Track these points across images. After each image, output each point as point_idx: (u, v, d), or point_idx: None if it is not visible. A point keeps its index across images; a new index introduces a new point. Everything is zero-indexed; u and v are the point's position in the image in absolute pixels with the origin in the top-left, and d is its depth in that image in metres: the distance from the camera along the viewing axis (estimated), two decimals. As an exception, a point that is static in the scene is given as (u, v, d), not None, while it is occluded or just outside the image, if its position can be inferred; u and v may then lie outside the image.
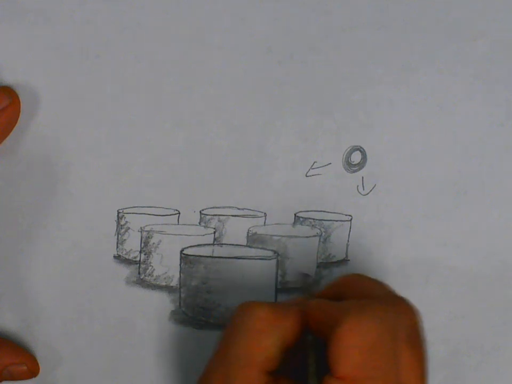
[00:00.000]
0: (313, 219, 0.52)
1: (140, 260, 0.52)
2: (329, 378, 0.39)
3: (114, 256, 0.52)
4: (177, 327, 0.52)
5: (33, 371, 0.51)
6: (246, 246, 0.52)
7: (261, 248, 0.52)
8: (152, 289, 0.52)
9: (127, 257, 0.52)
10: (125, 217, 0.52)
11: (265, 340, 0.42)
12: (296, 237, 0.52)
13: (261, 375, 0.41)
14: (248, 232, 0.52)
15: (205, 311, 0.52)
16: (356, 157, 0.52)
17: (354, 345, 0.39)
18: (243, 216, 0.52)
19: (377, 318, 0.40)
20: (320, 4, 0.51)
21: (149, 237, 0.52)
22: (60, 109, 0.51)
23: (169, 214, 0.52)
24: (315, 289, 0.51)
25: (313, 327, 0.43)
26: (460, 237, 0.52)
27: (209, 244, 0.52)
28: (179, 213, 0.52)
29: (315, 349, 0.43)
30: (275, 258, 0.52)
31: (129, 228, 0.52)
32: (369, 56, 0.51)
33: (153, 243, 0.52)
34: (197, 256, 0.51)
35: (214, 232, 0.52)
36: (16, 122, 0.50)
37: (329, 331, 0.40)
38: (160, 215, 0.52)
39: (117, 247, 0.52)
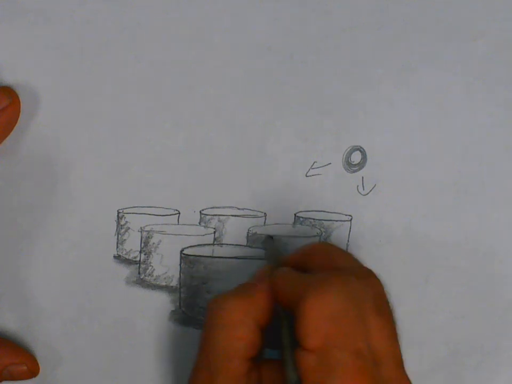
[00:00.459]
0: (313, 219, 0.52)
1: (140, 260, 0.52)
2: (300, 351, 0.40)
3: (114, 256, 0.52)
4: (177, 327, 0.52)
5: (33, 371, 0.51)
6: (246, 246, 0.52)
7: (261, 248, 0.52)
8: (152, 289, 0.52)
9: (127, 257, 0.52)
10: (125, 217, 0.52)
11: (240, 330, 0.42)
12: (296, 237, 0.52)
13: (243, 364, 0.42)
14: (248, 232, 0.52)
15: (205, 311, 0.52)
16: (356, 157, 0.52)
17: (319, 317, 0.39)
18: (243, 216, 0.52)
19: (341, 289, 0.40)
20: (320, 3, 0.51)
21: (149, 237, 0.52)
22: (60, 109, 0.51)
23: (169, 214, 0.52)
24: (280, 254, 0.50)
25: (281, 299, 0.43)
26: (460, 237, 0.52)
27: (209, 244, 0.52)
28: (179, 213, 0.52)
29: (288, 320, 0.43)
30: (275, 258, 0.52)
31: (129, 228, 0.52)
32: (369, 56, 0.51)
33: (153, 243, 0.52)
34: (197, 256, 0.51)
35: (214, 232, 0.52)
36: (16, 122, 0.50)
37: (295, 304, 0.41)
38: (160, 215, 0.52)
39: (117, 247, 0.52)
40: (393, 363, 0.40)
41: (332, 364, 0.39)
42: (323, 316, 0.39)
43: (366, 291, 0.41)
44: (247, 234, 0.52)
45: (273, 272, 0.45)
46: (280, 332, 0.43)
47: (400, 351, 0.41)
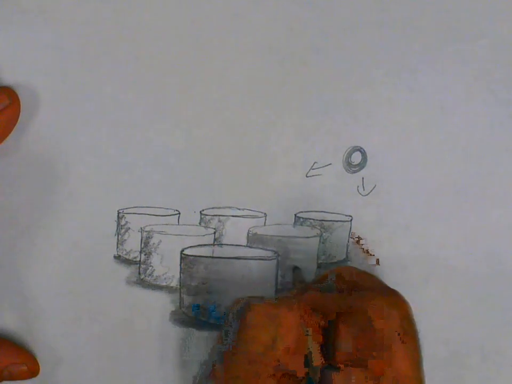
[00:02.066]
0: (314, 219, 0.52)
1: (140, 260, 0.52)
2: (328, 368, 0.41)
3: (115, 256, 0.52)
4: (177, 328, 0.52)
5: (33, 371, 0.51)
6: (246, 246, 0.52)
7: (261, 249, 0.52)
8: (152, 289, 0.52)
9: (127, 258, 0.52)
10: (125, 218, 0.52)
11: (265, 334, 0.42)
12: (296, 237, 0.52)
13: (267, 369, 0.42)
14: (248, 233, 0.52)
15: (205, 312, 0.52)
16: (356, 158, 0.52)
17: (349, 336, 0.41)
18: (243, 216, 0.52)
19: (372, 308, 0.41)
20: (320, 3, 0.51)
21: (149, 237, 0.52)
22: (60, 109, 0.51)
23: (169, 214, 0.52)
24: (307, 281, 0.50)
25: (309, 319, 0.43)
26: (460, 237, 0.52)
27: (209, 244, 0.52)
28: (179, 213, 0.52)
29: (315, 339, 0.43)
30: (275, 258, 0.52)
31: (129, 228, 0.52)
32: (369, 56, 0.51)
33: (154, 243, 0.52)
34: (197, 256, 0.51)
35: (214, 233, 0.52)
36: (16, 122, 0.50)
37: (327, 322, 0.42)
38: (160, 215, 0.52)
39: (117, 247, 0.52)
40: None
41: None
42: (353, 335, 0.41)
43: (394, 310, 0.42)
44: (247, 235, 0.52)
45: (302, 295, 0.45)
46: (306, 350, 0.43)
47: (422, 375, 0.42)
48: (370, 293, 0.43)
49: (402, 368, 0.41)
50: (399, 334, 0.41)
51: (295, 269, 0.52)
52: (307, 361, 0.43)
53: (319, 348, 0.43)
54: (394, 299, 0.43)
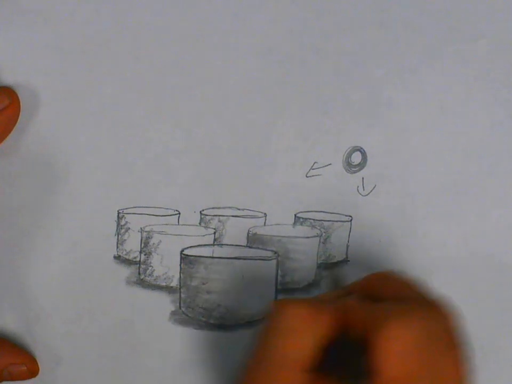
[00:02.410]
0: (314, 219, 0.52)
1: (140, 260, 0.52)
2: (378, 380, 0.39)
3: (115, 257, 0.52)
4: (177, 328, 0.52)
5: (33, 371, 0.51)
6: (246, 246, 0.52)
7: (261, 249, 0.52)
8: (152, 289, 0.52)
9: (127, 258, 0.52)
10: (125, 218, 0.52)
11: (302, 338, 0.41)
12: (296, 237, 0.52)
13: (300, 374, 0.41)
14: (248, 233, 0.52)
15: (205, 312, 0.52)
16: (356, 158, 0.52)
17: (401, 349, 0.39)
18: (243, 216, 0.52)
19: (423, 322, 0.40)
20: (320, 3, 0.51)
21: (149, 237, 0.52)
22: (59, 109, 0.51)
23: (169, 214, 0.52)
24: (341, 281, 0.50)
25: (351, 325, 0.42)
26: (459, 237, 0.52)
27: (209, 244, 0.52)
28: (179, 213, 0.52)
29: (355, 349, 0.42)
30: (275, 258, 0.52)
31: (129, 228, 0.52)
32: (369, 56, 0.51)
33: (153, 243, 0.52)
34: (197, 256, 0.51)
35: (214, 233, 0.52)
36: (16, 123, 0.50)
37: (368, 334, 0.40)
38: (160, 216, 0.52)
39: (117, 248, 0.52)
40: None
41: None
42: (406, 347, 0.39)
43: (437, 322, 0.41)
44: (247, 235, 0.52)
45: (342, 299, 0.44)
46: (345, 358, 0.42)
47: None
48: (417, 305, 0.41)
49: (450, 377, 0.40)
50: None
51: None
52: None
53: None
54: (439, 311, 0.42)
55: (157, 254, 0.52)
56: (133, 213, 0.52)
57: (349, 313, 0.42)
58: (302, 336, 0.41)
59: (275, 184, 0.52)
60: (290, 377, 0.41)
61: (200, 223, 0.52)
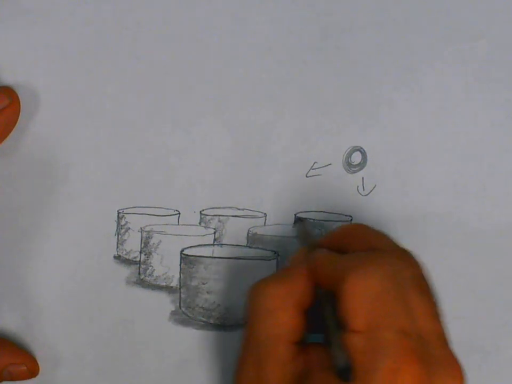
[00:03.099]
0: (313, 219, 0.52)
1: (140, 260, 0.52)
2: (346, 332, 0.39)
3: (115, 257, 0.52)
4: (177, 328, 0.52)
5: (33, 371, 0.51)
6: (246, 246, 0.52)
7: (261, 249, 0.52)
8: (152, 289, 0.52)
9: (127, 258, 0.52)
10: (125, 218, 0.52)
11: (283, 315, 0.42)
12: (296, 237, 0.52)
13: (289, 348, 0.42)
14: (248, 233, 0.52)
15: (205, 312, 0.52)
16: (356, 158, 0.52)
17: (362, 299, 0.39)
18: (243, 216, 0.52)
19: (381, 269, 0.40)
20: (320, 3, 0.51)
21: (149, 237, 0.52)
22: (60, 109, 0.51)
23: (169, 214, 0.52)
24: (312, 236, 0.50)
25: (321, 281, 0.43)
26: (459, 238, 0.52)
27: (209, 244, 0.52)
28: (179, 213, 0.52)
29: (330, 302, 0.42)
30: (275, 258, 0.52)
31: (129, 228, 0.52)
32: (369, 57, 0.51)
33: (153, 243, 0.52)
34: (197, 256, 0.51)
35: (214, 233, 0.52)
36: (16, 123, 0.50)
37: (336, 285, 0.40)
38: (160, 215, 0.52)
39: (117, 247, 0.52)
40: (439, 340, 0.40)
41: (380, 343, 0.38)
42: (368, 295, 0.39)
43: (405, 270, 0.41)
44: (247, 235, 0.52)
45: (311, 255, 0.44)
46: (322, 314, 0.42)
47: (444, 329, 0.41)
48: (381, 253, 0.42)
49: (423, 323, 0.40)
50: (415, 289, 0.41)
51: (299, 220, 0.51)
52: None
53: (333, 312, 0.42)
54: (405, 258, 0.42)
55: (157, 254, 0.52)
56: (133, 213, 0.52)
57: (316, 268, 0.43)
58: (280, 313, 0.42)
59: (275, 184, 0.52)
60: (279, 353, 0.41)
61: (200, 223, 0.52)
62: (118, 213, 0.52)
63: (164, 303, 0.52)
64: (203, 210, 0.52)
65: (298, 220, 0.51)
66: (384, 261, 0.41)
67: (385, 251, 0.43)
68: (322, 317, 0.42)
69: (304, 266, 0.44)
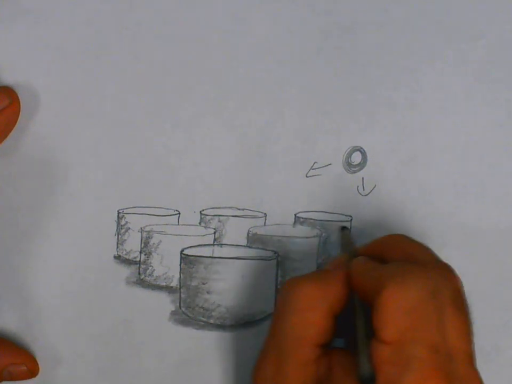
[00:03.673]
0: (313, 219, 0.52)
1: (140, 260, 0.52)
2: (375, 342, 0.39)
3: (115, 257, 0.52)
4: (177, 328, 0.52)
5: (33, 371, 0.51)
6: (246, 246, 0.52)
7: (261, 249, 0.52)
8: (152, 289, 0.52)
9: (127, 258, 0.52)
10: (125, 218, 0.52)
11: (313, 315, 0.42)
12: (296, 237, 0.52)
13: (313, 350, 0.41)
14: (248, 233, 0.52)
15: (205, 312, 0.52)
16: (356, 158, 0.52)
17: (397, 310, 0.39)
18: (243, 216, 0.52)
19: (420, 282, 0.40)
20: (320, 3, 0.51)
21: (149, 237, 0.52)
22: (60, 109, 0.51)
23: (169, 214, 0.52)
24: (354, 244, 0.49)
25: (358, 288, 0.43)
26: (459, 238, 0.52)
27: (209, 244, 0.52)
28: (179, 213, 0.52)
29: (363, 310, 0.42)
30: (275, 258, 0.52)
31: (129, 228, 0.52)
32: (369, 57, 0.51)
33: (153, 243, 0.52)
34: (197, 256, 0.51)
35: (214, 233, 0.52)
36: (15, 123, 0.50)
37: (372, 294, 0.40)
38: (160, 215, 0.52)
39: (117, 247, 0.52)
40: (467, 360, 0.40)
41: (408, 357, 0.38)
42: (402, 308, 0.39)
43: (445, 285, 0.41)
44: (247, 235, 0.52)
45: (351, 261, 0.44)
46: (353, 321, 0.42)
47: (473, 349, 0.41)
48: (421, 266, 0.41)
49: (453, 341, 0.40)
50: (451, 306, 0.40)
51: (343, 228, 0.51)
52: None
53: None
54: (445, 273, 0.42)
55: (157, 254, 0.52)
56: (133, 213, 0.52)
57: (354, 275, 0.43)
58: (314, 313, 0.42)
59: (275, 184, 0.52)
60: (304, 353, 0.41)
61: (200, 223, 0.52)
62: (118, 213, 0.52)
63: (164, 303, 0.52)
64: (203, 210, 0.52)
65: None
66: (424, 274, 0.41)
67: (426, 264, 0.42)
68: (353, 324, 0.42)
69: (342, 271, 0.44)
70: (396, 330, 0.39)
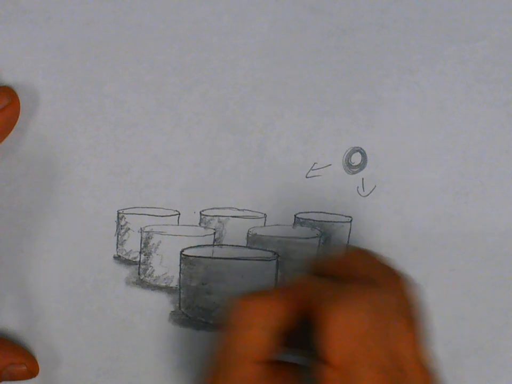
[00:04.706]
0: (313, 220, 0.52)
1: (139, 261, 0.52)
2: (323, 365, 0.39)
3: (114, 257, 0.52)
4: (177, 328, 0.52)
5: (33, 371, 0.51)
6: (246, 247, 0.52)
7: (261, 249, 0.52)
8: (152, 290, 0.52)
9: (127, 258, 0.52)
10: (125, 218, 0.52)
11: (254, 333, 0.41)
12: (296, 238, 0.52)
13: (254, 367, 0.41)
14: (248, 233, 0.52)
15: (205, 312, 0.52)
16: (356, 158, 0.52)
17: (343, 335, 0.39)
18: (243, 217, 0.52)
19: (365, 304, 0.39)
20: (320, 4, 0.51)
21: (149, 237, 0.52)
22: (60, 109, 0.51)
23: (169, 214, 0.52)
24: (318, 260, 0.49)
25: (306, 307, 0.42)
26: (459, 238, 0.52)
27: (209, 245, 0.52)
28: (179, 214, 0.52)
29: (310, 328, 0.41)
30: (275, 259, 0.52)
31: (129, 229, 0.52)
32: (369, 57, 0.51)
33: (153, 244, 0.52)
34: (197, 257, 0.51)
35: (214, 233, 0.52)
36: (15, 123, 0.50)
37: (316, 313, 0.40)
38: (160, 216, 0.52)
39: (117, 248, 0.52)
40: (420, 371, 0.40)
41: (356, 380, 0.38)
42: (347, 333, 0.39)
43: (390, 300, 0.41)
44: (247, 235, 0.52)
45: (296, 278, 0.44)
46: (301, 339, 0.42)
47: (427, 358, 0.41)
48: (367, 286, 0.41)
49: (404, 355, 0.40)
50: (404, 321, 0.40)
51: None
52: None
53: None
54: (392, 286, 0.42)
55: (157, 254, 0.52)
56: (132, 213, 0.52)
57: (302, 296, 0.42)
58: (255, 331, 0.41)
59: (275, 185, 0.52)
60: (247, 370, 0.41)
61: (200, 224, 0.52)
62: (118, 213, 0.52)
63: (164, 304, 0.52)
64: (203, 210, 0.52)
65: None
66: (369, 295, 0.40)
67: (371, 282, 0.42)
68: (301, 342, 0.42)
69: (289, 289, 0.43)
70: (342, 354, 0.39)
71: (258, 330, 0.41)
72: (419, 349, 0.40)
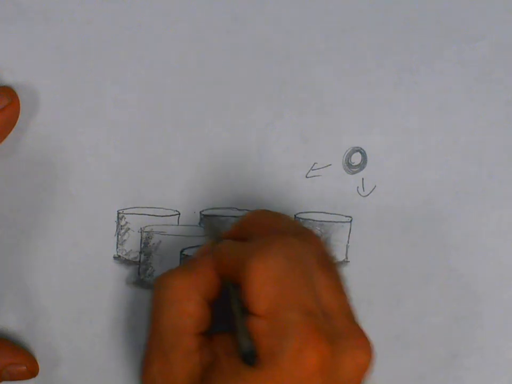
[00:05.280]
0: (313, 220, 0.52)
1: (139, 261, 0.52)
2: (250, 317, 0.40)
3: (114, 257, 0.52)
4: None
5: (33, 371, 0.51)
6: (246, 246, 0.52)
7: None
8: (152, 289, 0.52)
9: (127, 258, 0.52)
10: (125, 218, 0.52)
11: (187, 305, 0.42)
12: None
13: (193, 339, 0.42)
14: (248, 233, 0.52)
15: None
16: (356, 158, 0.52)
17: (264, 280, 0.39)
18: (243, 217, 0.52)
19: (282, 251, 0.40)
20: (320, 4, 0.51)
21: (149, 237, 0.52)
22: (60, 109, 0.51)
23: (169, 214, 0.52)
24: (219, 230, 0.49)
25: (226, 270, 0.43)
26: (459, 238, 0.52)
27: (209, 245, 0.52)
28: (179, 214, 0.52)
29: (236, 290, 0.42)
30: (275, 259, 0.52)
31: (129, 229, 0.52)
32: (369, 57, 0.51)
33: (153, 244, 0.52)
34: (197, 257, 0.51)
35: (214, 233, 0.52)
36: (15, 123, 0.50)
37: (239, 272, 0.40)
38: (160, 216, 0.52)
39: (117, 248, 0.52)
40: (344, 315, 0.41)
41: (284, 325, 0.39)
42: (267, 279, 0.39)
43: (308, 249, 0.41)
44: (247, 235, 0.52)
45: (215, 246, 0.45)
46: (228, 304, 0.43)
47: (349, 302, 0.41)
48: (282, 236, 0.42)
49: (328, 300, 0.40)
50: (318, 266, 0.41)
51: (205, 217, 0.51)
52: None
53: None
54: (307, 238, 0.43)
55: (157, 254, 0.52)
56: (132, 213, 0.52)
57: (220, 259, 0.43)
58: (184, 304, 0.42)
59: (275, 185, 0.52)
60: (184, 344, 0.42)
61: (200, 224, 0.52)
62: (118, 213, 0.52)
63: (164, 304, 0.52)
64: (203, 210, 0.52)
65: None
66: (284, 242, 0.41)
67: (285, 233, 0.43)
68: (229, 306, 0.42)
69: (209, 258, 0.44)
70: (266, 301, 0.39)
71: (192, 302, 0.42)
72: (341, 296, 0.41)
